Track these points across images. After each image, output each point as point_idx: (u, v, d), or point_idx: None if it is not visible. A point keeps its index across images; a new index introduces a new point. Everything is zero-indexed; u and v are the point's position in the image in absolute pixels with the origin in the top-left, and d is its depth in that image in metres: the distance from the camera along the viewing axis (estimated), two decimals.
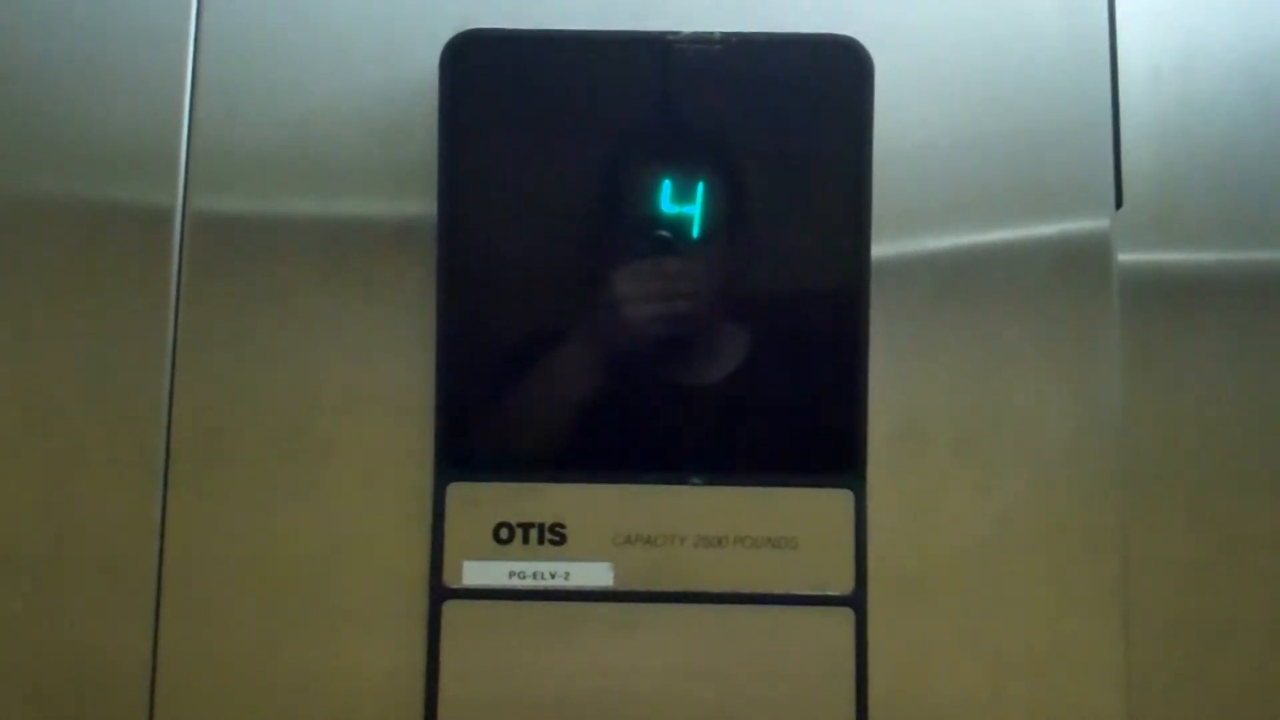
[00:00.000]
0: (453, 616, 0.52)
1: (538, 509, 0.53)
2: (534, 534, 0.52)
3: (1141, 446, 0.55)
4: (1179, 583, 0.55)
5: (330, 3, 0.56)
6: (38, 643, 0.52)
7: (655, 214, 0.53)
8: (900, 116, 0.54)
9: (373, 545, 0.53)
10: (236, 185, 0.55)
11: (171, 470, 0.53)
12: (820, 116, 0.54)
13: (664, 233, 0.53)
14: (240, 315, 0.54)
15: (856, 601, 0.52)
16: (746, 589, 0.52)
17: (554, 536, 0.52)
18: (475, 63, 0.53)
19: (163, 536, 0.53)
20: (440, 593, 0.52)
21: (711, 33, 0.53)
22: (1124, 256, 0.55)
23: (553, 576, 0.52)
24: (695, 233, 0.53)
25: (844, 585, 0.52)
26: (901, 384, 0.54)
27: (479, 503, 0.53)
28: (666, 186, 0.53)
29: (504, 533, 0.52)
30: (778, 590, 0.52)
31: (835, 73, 0.53)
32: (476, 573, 0.52)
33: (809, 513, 0.52)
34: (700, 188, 0.53)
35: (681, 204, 0.53)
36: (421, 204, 0.54)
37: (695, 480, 0.53)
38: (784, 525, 0.52)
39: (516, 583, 0.52)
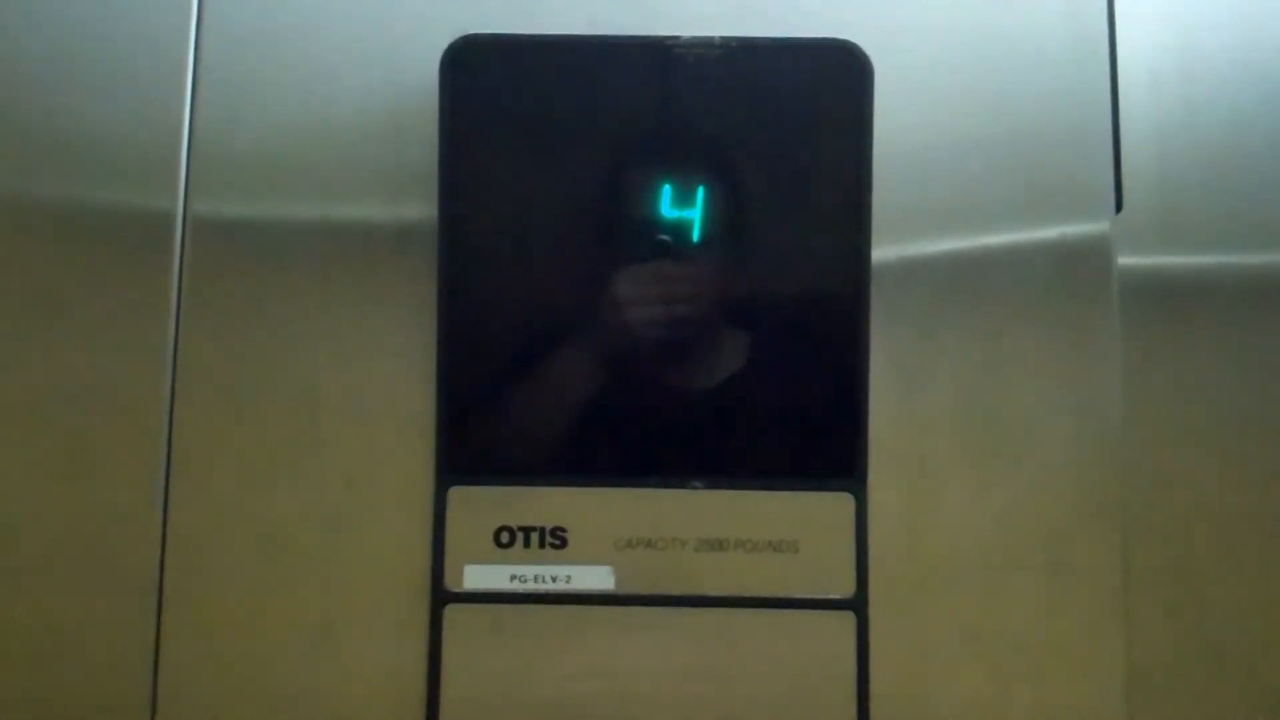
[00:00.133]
0: (454, 620, 0.52)
1: (539, 512, 0.53)
2: (535, 537, 0.52)
3: (1142, 450, 0.55)
4: (1179, 584, 0.55)
5: (331, 7, 0.56)
6: (39, 644, 0.52)
7: (656, 218, 0.53)
8: (900, 120, 0.54)
9: (374, 549, 0.53)
10: (237, 189, 0.55)
11: (173, 474, 0.53)
12: (820, 121, 0.54)
13: (664, 237, 0.53)
14: (241, 320, 0.54)
15: (858, 605, 0.52)
16: (748, 592, 0.52)
17: (555, 540, 0.52)
18: (476, 67, 0.53)
19: (164, 540, 0.53)
20: (441, 596, 0.52)
21: (711, 37, 0.53)
22: (1124, 260, 0.55)
23: (554, 580, 0.52)
24: (696, 237, 0.53)
25: (845, 588, 0.52)
26: (902, 387, 0.54)
27: (480, 506, 0.53)
28: (667, 191, 0.53)
29: (505, 536, 0.52)
30: (779, 594, 0.52)
31: (835, 77, 0.53)
32: (478, 576, 0.52)
33: (810, 516, 0.52)
34: (700, 192, 0.53)
35: (682, 208, 0.53)
36: (422, 208, 0.54)
37: (696, 484, 0.53)
38: (785, 529, 0.52)
39: (518, 586, 0.52)
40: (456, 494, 0.53)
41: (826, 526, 0.52)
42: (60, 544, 0.53)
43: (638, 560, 0.52)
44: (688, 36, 0.53)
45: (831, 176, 0.54)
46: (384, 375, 0.54)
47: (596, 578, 0.52)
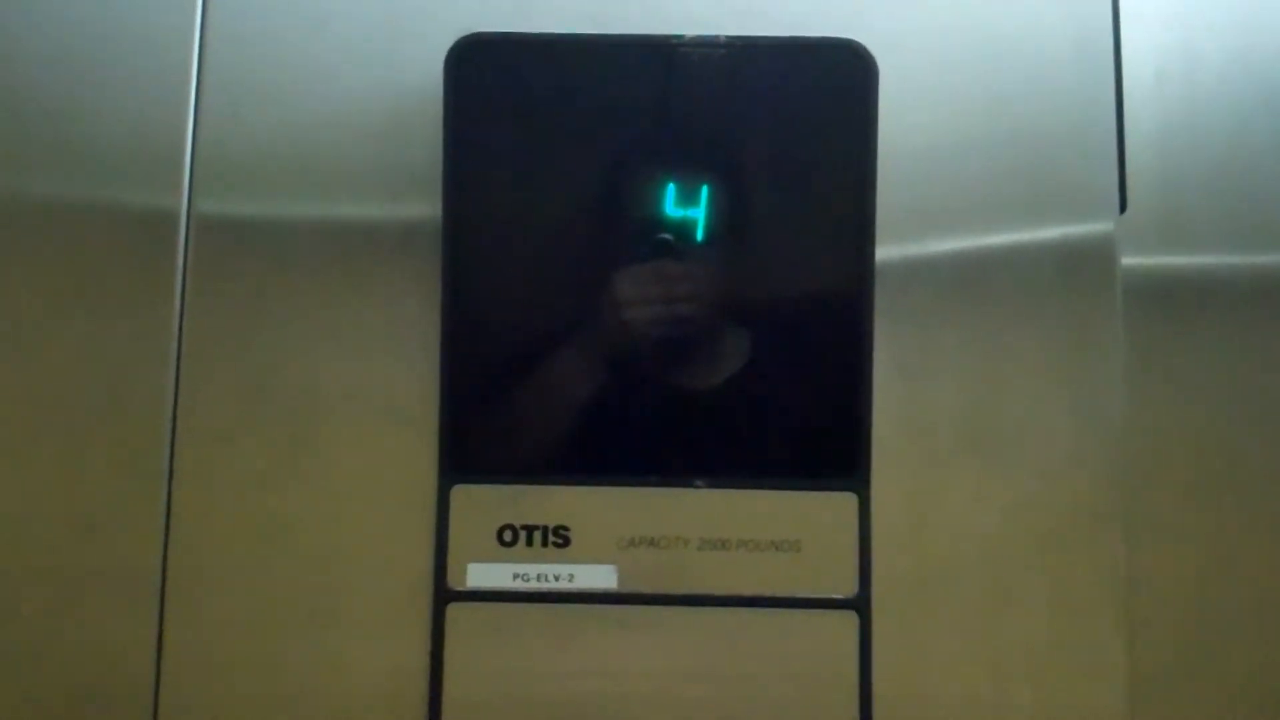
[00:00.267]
0: (457, 619, 0.52)
1: (542, 511, 0.53)
2: (538, 536, 0.52)
3: (1144, 450, 0.55)
4: (1181, 584, 0.55)
5: (335, 7, 0.56)
6: (41, 645, 0.52)
7: (659, 218, 0.53)
8: (904, 120, 0.54)
9: (377, 548, 0.53)
10: (241, 188, 0.55)
11: (176, 472, 0.53)
12: (824, 120, 0.54)
13: (668, 236, 0.53)
14: (245, 319, 0.54)
15: (860, 604, 0.52)
16: (751, 592, 0.52)
17: (558, 539, 0.52)
18: (480, 67, 0.53)
19: (167, 539, 0.53)
20: (444, 595, 0.52)
21: (715, 36, 0.53)
22: (1128, 260, 0.55)
23: (557, 579, 0.52)
24: (699, 236, 0.53)
25: (848, 588, 0.52)
26: (905, 387, 0.54)
27: (483, 505, 0.53)
28: (671, 190, 0.53)
29: (508, 535, 0.52)
30: (782, 593, 0.52)
31: (839, 76, 0.53)
32: (480, 575, 0.52)
33: (813, 516, 0.52)
34: (704, 191, 0.53)
35: (685, 208, 0.53)
36: (426, 207, 0.54)
37: (699, 483, 0.53)
38: (788, 528, 0.52)
39: (520, 585, 0.52)
40: (459, 492, 0.53)
41: (829, 526, 0.52)
42: (63, 542, 0.53)
43: (640, 559, 0.52)
44: (692, 35, 0.53)
45: (835, 176, 0.54)
46: (387, 374, 0.54)
47: (599, 577, 0.52)
